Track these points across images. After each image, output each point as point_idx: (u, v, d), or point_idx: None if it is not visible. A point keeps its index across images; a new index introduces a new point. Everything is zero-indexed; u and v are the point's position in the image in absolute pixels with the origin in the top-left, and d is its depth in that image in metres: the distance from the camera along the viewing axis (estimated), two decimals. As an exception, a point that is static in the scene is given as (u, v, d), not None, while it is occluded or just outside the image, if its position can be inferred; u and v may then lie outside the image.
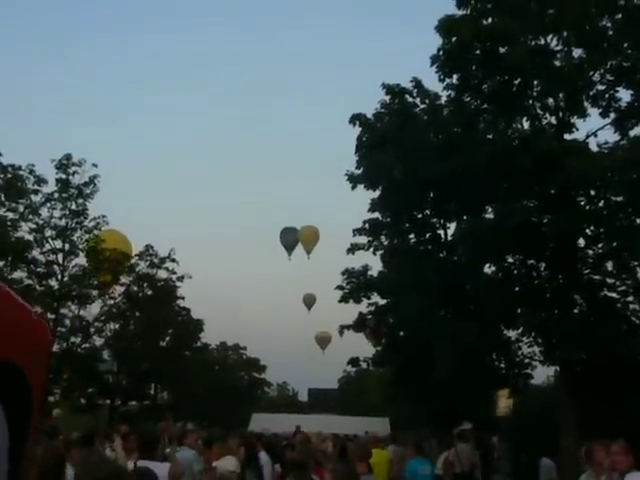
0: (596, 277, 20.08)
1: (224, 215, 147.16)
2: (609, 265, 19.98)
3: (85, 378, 30.15)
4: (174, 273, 34.71)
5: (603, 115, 19.87)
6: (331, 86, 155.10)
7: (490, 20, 19.93)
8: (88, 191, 27.56)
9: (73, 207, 27.46)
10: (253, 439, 13.60)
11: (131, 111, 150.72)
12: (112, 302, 31.27)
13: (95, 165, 27.61)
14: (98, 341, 31.77)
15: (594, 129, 20.02)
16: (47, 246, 27.42)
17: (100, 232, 28.21)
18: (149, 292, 33.76)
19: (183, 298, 36.88)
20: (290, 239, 45.48)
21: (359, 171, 23.34)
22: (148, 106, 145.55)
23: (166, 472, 9.37)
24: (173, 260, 34.22)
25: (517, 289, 20.58)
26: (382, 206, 24.30)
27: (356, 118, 22.71)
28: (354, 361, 30.16)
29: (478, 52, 19.84)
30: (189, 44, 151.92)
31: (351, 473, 6.26)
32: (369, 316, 27.81)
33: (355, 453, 10.02)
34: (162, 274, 34.56)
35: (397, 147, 21.50)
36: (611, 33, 19.39)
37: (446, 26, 19.78)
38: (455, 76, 20.59)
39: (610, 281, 20.06)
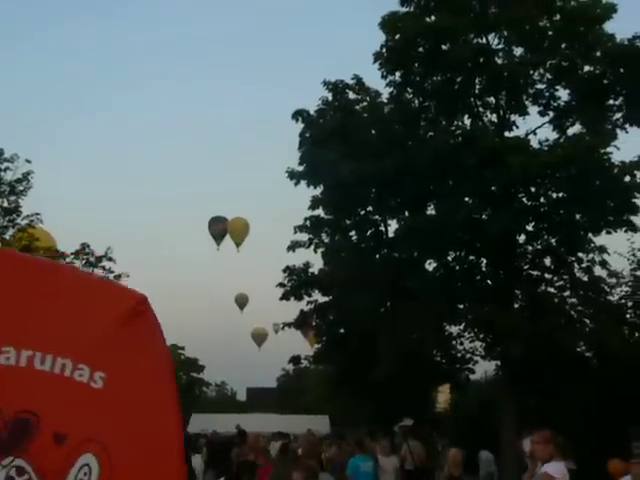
0: (535, 273, 20.45)
1: (160, 211, 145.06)
2: (547, 261, 20.34)
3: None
4: (111, 272, 33.98)
5: (542, 113, 20.27)
6: (273, 80, 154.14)
7: (433, 18, 20.05)
8: (21, 188, 26.69)
9: (5, 204, 26.57)
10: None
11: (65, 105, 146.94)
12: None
13: (29, 161, 26.69)
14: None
15: (533, 127, 20.44)
16: (-22, 244, 26.50)
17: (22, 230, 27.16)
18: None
19: (120, 297, 36.21)
20: (218, 228, 44.25)
21: (301, 168, 23.22)
22: (84, 101, 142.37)
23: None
24: (110, 259, 33.46)
25: (459, 285, 20.77)
26: (324, 203, 24.21)
27: (299, 114, 22.60)
28: (295, 359, 30.07)
29: (421, 49, 19.97)
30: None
31: (310, 467, 6.19)
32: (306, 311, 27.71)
33: (306, 450, 9.92)
34: (99, 273, 33.78)
35: (340, 144, 21.47)
36: (550, 33, 19.75)
37: (390, 23, 19.83)
38: (397, 73, 20.65)
39: (548, 276, 20.46)
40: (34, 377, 2.07)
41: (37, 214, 27.34)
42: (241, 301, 55.06)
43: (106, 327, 2.15)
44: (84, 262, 33.26)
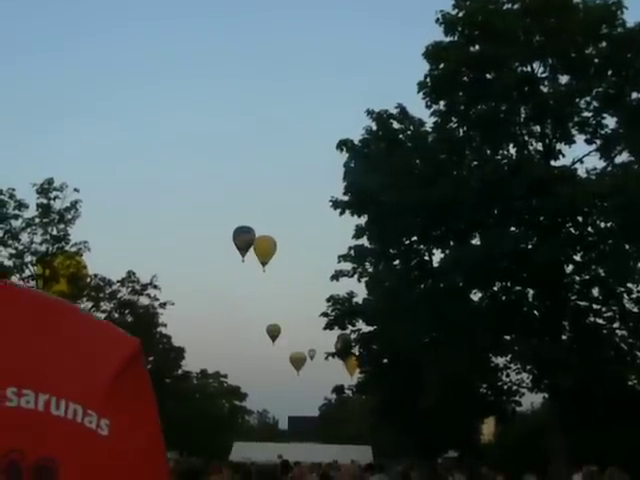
0: (582, 303, 20.09)
1: (205, 240, 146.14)
2: (595, 291, 19.98)
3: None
4: (156, 300, 34.28)
5: (589, 142, 20.04)
6: (317, 108, 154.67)
7: (477, 47, 20.02)
8: (69, 216, 27.16)
9: (54, 232, 27.05)
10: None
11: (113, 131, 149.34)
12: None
13: (77, 190, 27.24)
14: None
15: (580, 155, 20.23)
16: (27, 272, 26.96)
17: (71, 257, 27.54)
18: (130, 319, 33.27)
19: (165, 325, 36.45)
20: (244, 239, 42.62)
21: (345, 197, 23.15)
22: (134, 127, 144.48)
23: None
24: (155, 286, 33.78)
25: (505, 316, 20.47)
26: (369, 233, 24.05)
27: (343, 144, 22.56)
28: (339, 389, 29.90)
29: (465, 78, 19.94)
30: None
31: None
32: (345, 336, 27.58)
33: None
34: (144, 301, 34.10)
35: (384, 173, 21.40)
36: (597, 61, 19.58)
37: (434, 52, 19.86)
38: (442, 102, 20.63)
39: (596, 307, 20.10)
40: (51, 422, 2.06)
41: (85, 242, 27.87)
42: (273, 332, 54.56)
43: (110, 372, 2.16)
44: (130, 290, 33.73)
